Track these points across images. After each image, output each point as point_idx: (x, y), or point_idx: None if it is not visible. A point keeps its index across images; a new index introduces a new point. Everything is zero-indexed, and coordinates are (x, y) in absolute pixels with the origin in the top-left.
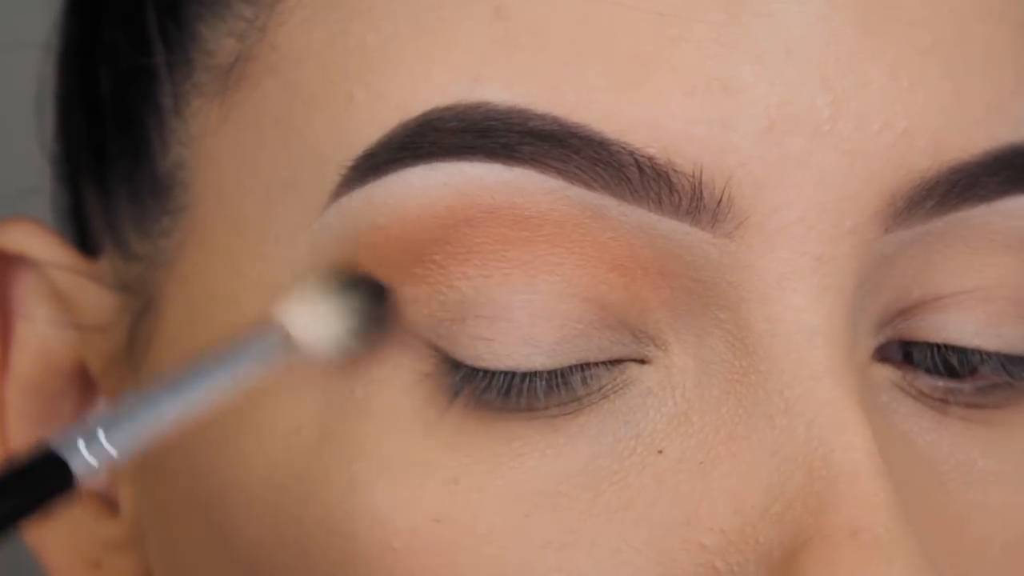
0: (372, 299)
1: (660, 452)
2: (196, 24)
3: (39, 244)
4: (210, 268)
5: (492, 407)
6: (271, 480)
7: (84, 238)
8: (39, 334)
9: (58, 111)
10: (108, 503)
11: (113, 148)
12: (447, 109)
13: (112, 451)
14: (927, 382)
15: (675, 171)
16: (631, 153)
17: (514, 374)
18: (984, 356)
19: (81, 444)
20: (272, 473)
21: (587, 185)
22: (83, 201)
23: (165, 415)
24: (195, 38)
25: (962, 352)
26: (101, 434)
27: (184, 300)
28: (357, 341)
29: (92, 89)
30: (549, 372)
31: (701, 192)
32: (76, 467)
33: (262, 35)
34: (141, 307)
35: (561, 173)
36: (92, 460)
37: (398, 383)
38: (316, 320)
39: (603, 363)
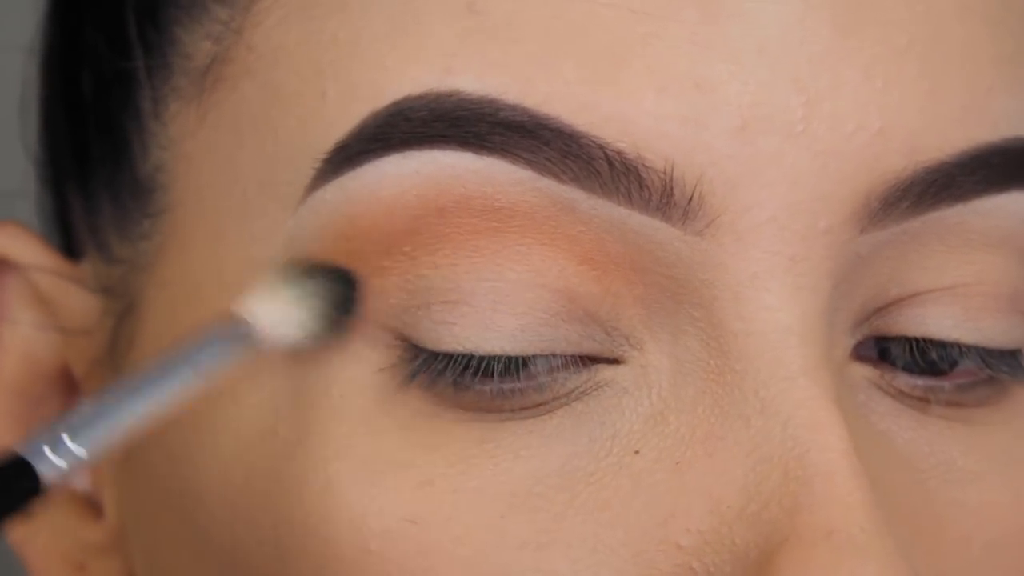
0: (335, 284)
1: (636, 452)
2: (174, 27)
3: (23, 248)
4: (190, 270)
5: (445, 391)
6: (249, 483)
7: (69, 241)
8: (23, 337)
9: (41, 114)
10: (92, 506)
11: (95, 151)
12: (418, 98)
13: (80, 452)
14: (906, 381)
15: (645, 167)
16: (601, 147)
17: (471, 357)
18: (963, 350)
19: (46, 448)
20: (250, 476)
21: (557, 177)
22: (67, 204)
23: (132, 413)
24: (173, 41)
25: (941, 346)
26: (66, 437)
27: (165, 302)
28: (323, 326)
29: (74, 92)
30: (508, 357)
31: (672, 189)
32: (44, 471)
33: (238, 37)
34: (123, 310)
35: (531, 164)
36: (59, 462)
37: (365, 381)
38: (278, 308)
39: (573, 359)
